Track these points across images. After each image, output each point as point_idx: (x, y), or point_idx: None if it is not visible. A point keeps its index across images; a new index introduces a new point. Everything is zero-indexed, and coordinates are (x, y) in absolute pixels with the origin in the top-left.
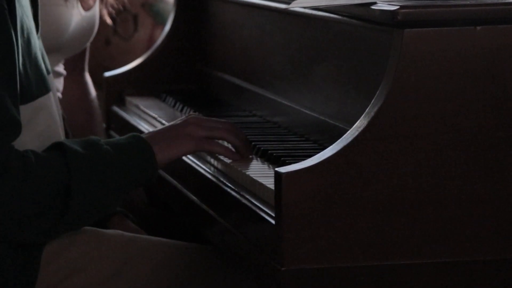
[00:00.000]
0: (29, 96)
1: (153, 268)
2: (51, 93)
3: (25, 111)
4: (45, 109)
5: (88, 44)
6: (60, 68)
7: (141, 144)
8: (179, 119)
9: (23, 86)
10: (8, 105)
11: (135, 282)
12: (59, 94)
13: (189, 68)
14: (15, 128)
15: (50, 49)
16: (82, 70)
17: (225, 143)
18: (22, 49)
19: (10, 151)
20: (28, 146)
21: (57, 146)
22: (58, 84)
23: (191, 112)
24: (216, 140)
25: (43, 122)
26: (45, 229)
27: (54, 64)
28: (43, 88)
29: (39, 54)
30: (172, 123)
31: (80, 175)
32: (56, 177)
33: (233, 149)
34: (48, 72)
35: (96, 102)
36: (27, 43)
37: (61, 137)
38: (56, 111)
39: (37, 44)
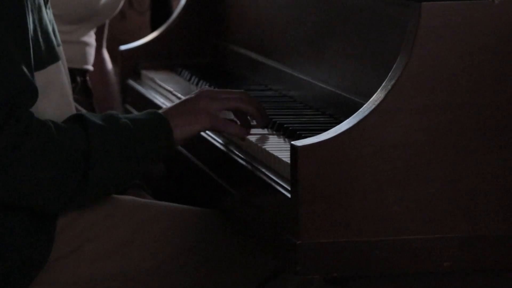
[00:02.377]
0: (40, 64)
1: (167, 234)
2: (60, 62)
3: (38, 78)
4: (55, 78)
5: (107, 20)
6: (92, 39)
7: (158, 120)
8: (193, 93)
9: (34, 54)
10: (25, 71)
11: (149, 248)
12: (91, 67)
13: (204, 42)
14: (33, 93)
15: (84, 18)
16: (101, 46)
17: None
18: (33, 17)
19: (32, 118)
20: (45, 116)
21: (77, 118)
22: (90, 56)
23: (206, 86)
24: (230, 120)
25: (56, 91)
26: (64, 198)
27: (84, 33)
28: (53, 56)
29: (49, 24)
30: (186, 97)
31: (100, 146)
32: (76, 146)
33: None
34: (59, 44)
35: (113, 77)
36: (38, 11)
37: (73, 108)
38: (66, 80)
39: (46, 14)
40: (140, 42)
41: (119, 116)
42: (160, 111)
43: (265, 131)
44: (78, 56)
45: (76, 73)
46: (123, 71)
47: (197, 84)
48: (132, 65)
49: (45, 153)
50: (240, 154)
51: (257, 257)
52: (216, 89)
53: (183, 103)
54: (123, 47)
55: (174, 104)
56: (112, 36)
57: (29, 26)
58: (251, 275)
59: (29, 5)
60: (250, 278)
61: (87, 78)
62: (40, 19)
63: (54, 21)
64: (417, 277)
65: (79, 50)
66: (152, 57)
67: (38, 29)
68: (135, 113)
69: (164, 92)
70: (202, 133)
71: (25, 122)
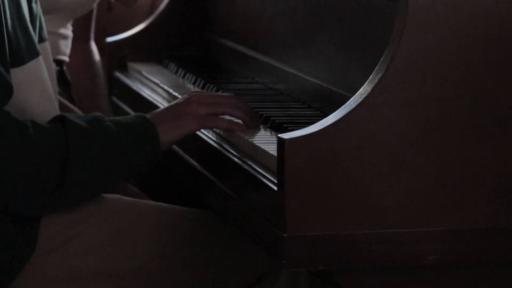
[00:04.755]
0: (21, 60)
1: (152, 233)
2: (40, 57)
3: (18, 74)
4: (36, 73)
5: (94, 13)
6: (68, 31)
7: (145, 124)
8: (182, 97)
9: (13, 50)
10: None
11: (134, 247)
12: (66, 58)
13: (191, 34)
14: (6, 90)
15: (54, 9)
16: (88, 39)
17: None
18: (11, 13)
19: (6, 118)
20: (27, 113)
21: (58, 119)
22: (65, 47)
23: (192, 79)
24: (217, 116)
25: (37, 86)
26: (40, 202)
27: (58, 25)
28: (33, 52)
29: (30, 19)
30: (175, 102)
31: (79, 149)
32: (54, 149)
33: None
34: (44, 40)
35: (100, 70)
36: (17, 6)
37: (56, 102)
38: (47, 75)
39: (27, 9)
40: (127, 34)
41: (103, 119)
42: (147, 115)
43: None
44: (51, 46)
45: None
46: (109, 63)
47: (183, 76)
48: (119, 57)
49: (18, 154)
50: (227, 147)
51: (245, 258)
52: (206, 92)
53: (171, 108)
54: (109, 39)
55: (161, 108)
56: (99, 28)
57: (3, 22)
58: (239, 276)
59: (6, 2)
60: (237, 279)
61: (64, 68)
62: (19, 15)
63: (42, 15)
64: (403, 271)
65: (52, 41)
66: (139, 49)
67: (17, 24)
68: (121, 104)
69: (151, 84)
70: None
71: None
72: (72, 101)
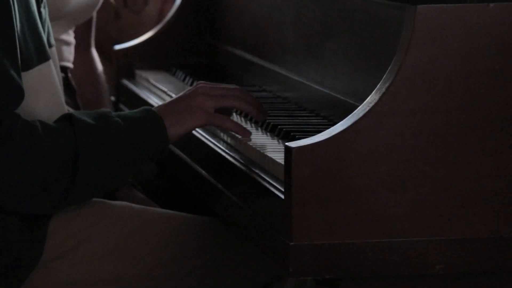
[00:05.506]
0: (30, 64)
1: (159, 241)
2: (50, 61)
3: (27, 78)
4: (46, 77)
5: (94, 20)
6: (70, 37)
7: (152, 117)
8: (188, 89)
9: (22, 53)
10: (9, 70)
11: (140, 253)
12: (70, 64)
13: (199, 42)
14: (18, 93)
15: (56, 16)
16: (89, 46)
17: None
18: (20, 16)
19: (17, 119)
20: (35, 116)
21: (66, 117)
22: (69, 53)
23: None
24: (227, 117)
25: (46, 90)
26: (52, 201)
27: (61, 32)
28: (43, 56)
29: (40, 24)
30: (181, 94)
31: (88, 147)
32: (64, 148)
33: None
34: (51, 45)
35: (103, 77)
36: (26, 10)
37: (65, 107)
38: (57, 80)
39: (36, 13)
40: (135, 42)
41: (111, 114)
42: (154, 108)
43: (259, 132)
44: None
45: None
46: (117, 71)
47: (191, 84)
48: (126, 64)
49: (29, 155)
50: (234, 155)
51: (252, 265)
52: (212, 83)
53: (177, 100)
54: (117, 47)
55: (168, 101)
56: (107, 36)
57: (15, 26)
58: (245, 283)
59: (16, 5)
60: (243, 286)
61: (69, 75)
62: (28, 18)
63: (49, 21)
64: (409, 279)
65: (55, 47)
66: (147, 57)
67: (26, 28)
68: None
69: (158, 92)
70: (197, 134)
71: (8, 124)
72: (77, 108)
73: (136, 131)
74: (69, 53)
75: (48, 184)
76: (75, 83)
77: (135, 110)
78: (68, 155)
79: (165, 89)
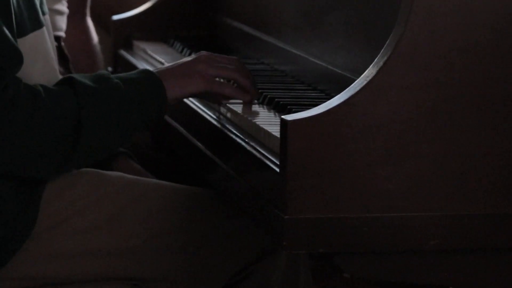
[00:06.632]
0: (24, 30)
1: (153, 212)
2: (44, 28)
3: (21, 45)
4: (40, 44)
5: None
6: (63, 7)
7: (152, 79)
8: (190, 56)
9: (16, 20)
10: (7, 35)
11: (134, 225)
12: (63, 33)
13: (198, 14)
14: (18, 58)
15: None
16: (84, 15)
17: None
18: None
19: (20, 85)
20: (31, 83)
21: (67, 80)
22: (62, 23)
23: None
24: (227, 83)
25: (41, 57)
26: (56, 163)
27: (54, 1)
28: (37, 23)
29: None
30: (183, 60)
31: (90, 109)
32: (66, 110)
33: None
34: (44, 13)
35: (98, 47)
36: None
37: (58, 74)
38: (51, 47)
39: None
40: (133, 13)
41: (110, 76)
42: (154, 70)
43: (256, 104)
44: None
45: None
46: (115, 41)
47: (189, 56)
48: (124, 35)
49: (34, 119)
50: (230, 128)
51: (245, 237)
52: (214, 54)
53: (179, 65)
54: (115, 17)
55: (169, 64)
56: (105, 6)
57: None
58: (238, 255)
59: None
60: (237, 257)
61: (62, 44)
62: None
63: None
64: (404, 255)
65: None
66: (145, 28)
67: None
68: None
69: (156, 63)
70: (192, 105)
71: (13, 89)
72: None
73: (136, 92)
74: (62, 22)
75: (53, 147)
76: (70, 53)
77: (133, 72)
78: (71, 117)
79: (163, 60)
